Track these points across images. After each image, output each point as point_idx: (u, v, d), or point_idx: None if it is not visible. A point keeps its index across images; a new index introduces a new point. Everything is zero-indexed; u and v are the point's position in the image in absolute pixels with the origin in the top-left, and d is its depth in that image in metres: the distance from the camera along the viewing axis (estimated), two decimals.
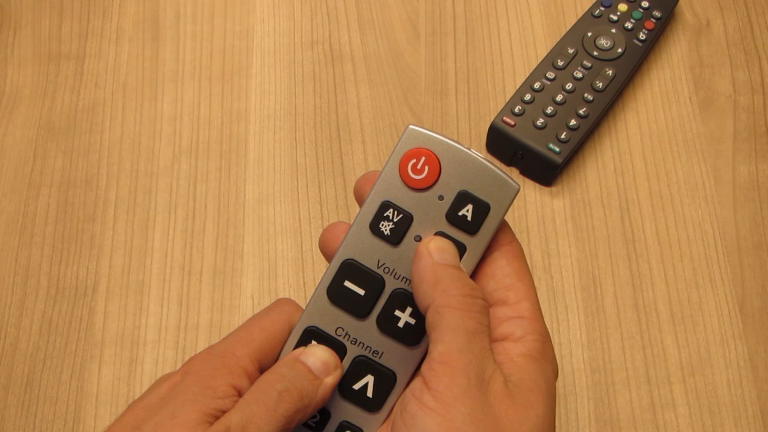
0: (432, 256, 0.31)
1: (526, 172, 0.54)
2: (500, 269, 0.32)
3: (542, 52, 0.57)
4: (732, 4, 0.60)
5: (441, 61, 0.58)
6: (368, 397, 0.32)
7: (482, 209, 0.32)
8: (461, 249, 0.32)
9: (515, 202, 0.52)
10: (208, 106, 0.57)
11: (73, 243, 0.52)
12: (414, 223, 0.32)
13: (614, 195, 0.53)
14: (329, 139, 0.56)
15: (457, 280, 0.30)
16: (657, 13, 0.56)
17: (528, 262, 0.50)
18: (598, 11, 0.57)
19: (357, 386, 0.32)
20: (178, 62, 0.59)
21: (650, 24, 0.56)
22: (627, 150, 0.55)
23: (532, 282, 0.32)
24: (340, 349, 0.32)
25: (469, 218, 0.32)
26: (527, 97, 0.53)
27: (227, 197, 0.54)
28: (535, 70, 0.54)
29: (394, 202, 0.32)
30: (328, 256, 0.34)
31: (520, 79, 0.57)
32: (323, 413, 0.32)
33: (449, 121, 0.56)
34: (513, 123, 0.52)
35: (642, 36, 0.56)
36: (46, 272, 0.52)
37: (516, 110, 0.53)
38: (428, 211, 0.32)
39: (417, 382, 0.30)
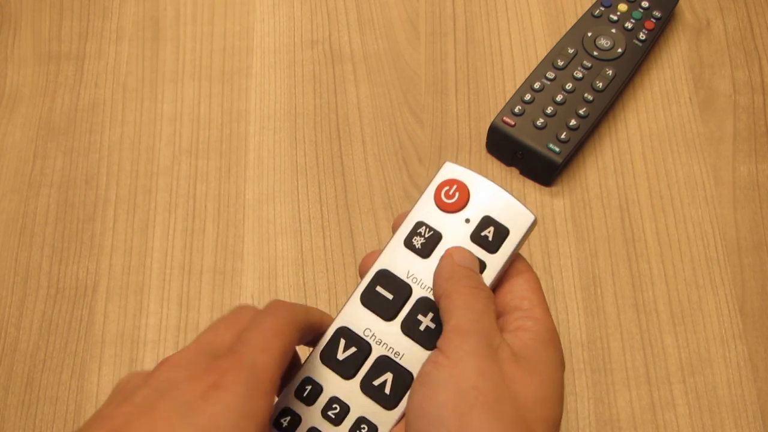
0: (453, 258, 0.35)
1: (526, 172, 0.54)
2: (518, 286, 0.35)
3: (542, 52, 0.57)
4: (732, 4, 0.60)
5: (441, 61, 0.58)
6: (386, 394, 0.34)
7: (502, 232, 0.36)
8: (481, 265, 0.36)
9: None
10: (208, 106, 0.57)
11: (73, 243, 0.52)
12: (442, 241, 0.36)
13: (614, 195, 0.53)
14: (329, 139, 0.56)
15: (469, 277, 0.34)
16: (657, 13, 0.56)
17: (528, 262, 0.51)
18: (598, 11, 0.57)
19: (377, 382, 0.35)
20: (178, 62, 0.59)
21: (650, 24, 0.56)
22: (627, 150, 0.55)
23: (545, 299, 0.35)
24: (365, 348, 0.35)
25: (490, 239, 0.36)
26: (527, 97, 0.53)
27: (227, 197, 0.54)
28: (535, 70, 0.54)
29: (426, 221, 0.37)
30: None
31: (520, 79, 0.57)
32: (343, 407, 0.34)
33: (449, 121, 0.56)
34: (513, 123, 0.52)
35: (642, 36, 0.56)
36: (46, 272, 0.52)
37: (516, 110, 0.53)
38: (456, 231, 0.36)
39: (432, 353, 0.33)
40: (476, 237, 0.36)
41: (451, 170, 0.37)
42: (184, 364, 0.32)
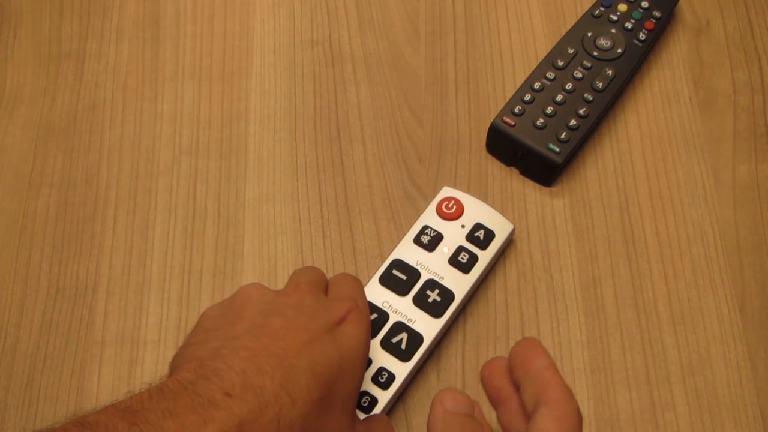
0: (444, 405, 0.34)
1: (526, 172, 0.54)
2: (541, 415, 0.33)
3: (542, 52, 0.57)
4: (732, 4, 0.60)
5: (441, 61, 0.58)
6: (402, 349, 0.43)
7: (490, 235, 0.48)
8: (474, 259, 0.47)
9: (515, 204, 0.53)
10: (208, 106, 0.57)
11: (73, 243, 0.52)
12: (444, 239, 0.47)
13: (614, 195, 0.53)
14: (329, 139, 0.56)
15: (461, 426, 0.34)
16: (657, 13, 0.56)
17: (528, 262, 0.51)
18: (598, 11, 0.57)
19: (394, 340, 0.44)
20: (178, 62, 0.59)
21: (650, 24, 0.56)
22: (627, 150, 0.55)
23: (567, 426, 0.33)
24: (384, 315, 0.45)
25: (481, 239, 0.47)
26: (527, 97, 0.53)
27: (227, 197, 0.54)
28: (535, 70, 0.54)
29: (430, 225, 0.48)
30: (488, 388, 0.38)
31: (520, 79, 0.57)
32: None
33: (449, 121, 0.56)
34: (513, 123, 0.52)
35: (642, 36, 0.56)
36: (46, 272, 0.52)
37: (516, 110, 0.53)
38: (454, 233, 0.48)
39: None
40: (470, 237, 0.47)
41: (449, 191, 0.49)
42: (310, 295, 0.38)
